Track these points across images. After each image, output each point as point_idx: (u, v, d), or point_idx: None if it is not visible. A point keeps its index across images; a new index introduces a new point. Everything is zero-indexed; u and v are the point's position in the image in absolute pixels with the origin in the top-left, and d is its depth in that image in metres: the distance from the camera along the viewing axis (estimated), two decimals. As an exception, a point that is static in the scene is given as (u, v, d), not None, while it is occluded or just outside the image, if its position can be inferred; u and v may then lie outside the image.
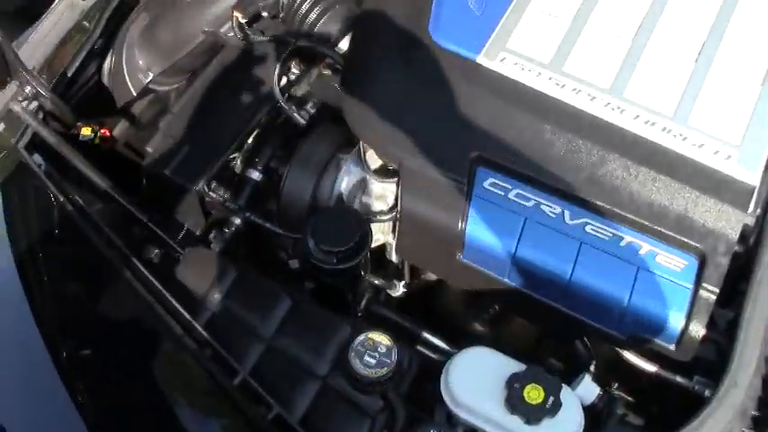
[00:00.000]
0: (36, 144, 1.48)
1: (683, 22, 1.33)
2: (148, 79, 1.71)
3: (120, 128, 1.75)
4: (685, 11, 1.34)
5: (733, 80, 1.27)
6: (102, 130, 1.62)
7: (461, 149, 1.28)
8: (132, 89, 1.72)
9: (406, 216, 1.32)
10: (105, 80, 1.72)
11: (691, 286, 1.18)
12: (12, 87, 1.50)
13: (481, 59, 1.32)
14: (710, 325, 1.19)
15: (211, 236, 1.44)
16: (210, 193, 1.43)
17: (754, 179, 1.18)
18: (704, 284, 1.17)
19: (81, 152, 1.48)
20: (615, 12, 1.36)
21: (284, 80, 1.52)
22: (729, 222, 1.18)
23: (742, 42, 1.30)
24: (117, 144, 1.71)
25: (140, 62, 1.71)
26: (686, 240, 1.19)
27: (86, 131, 1.58)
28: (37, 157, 1.47)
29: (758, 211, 1.21)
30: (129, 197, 1.45)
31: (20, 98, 1.50)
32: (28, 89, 1.49)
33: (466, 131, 1.29)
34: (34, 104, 1.51)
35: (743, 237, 1.19)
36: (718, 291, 1.17)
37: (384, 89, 1.37)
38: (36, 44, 1.60)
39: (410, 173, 1.30)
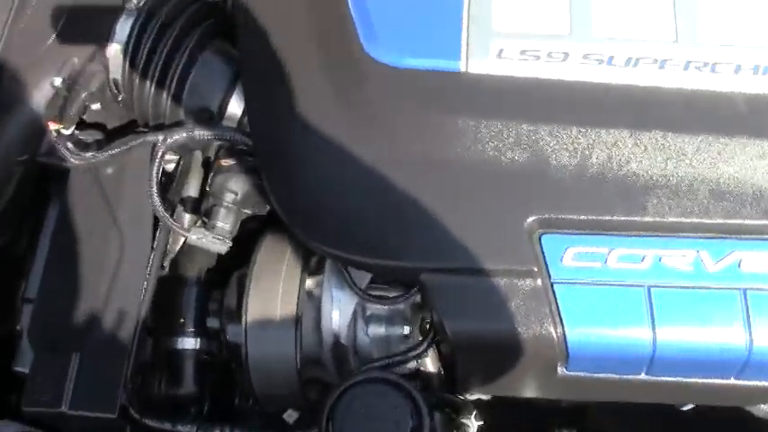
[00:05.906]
0: None
1: None
2: None
3: None
4: None
5: None
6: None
7: (506, 221, 0.79)
8: None
9: (462, 344, 0.83)
10: None
11: None
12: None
13: (467, 64, 0.82)
14: None
15: None
16: (145, 420, 0.89)
17: None
18: None
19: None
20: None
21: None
22: None
23: None
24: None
25: None
26: None
27: None
28: None
29: None
30: None
31: None
32: None
33: (502, 190, 0.80)
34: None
35: None
36: None
37: (337, 165, 0.84)
38: None
39: (442, 287, 0.81)
